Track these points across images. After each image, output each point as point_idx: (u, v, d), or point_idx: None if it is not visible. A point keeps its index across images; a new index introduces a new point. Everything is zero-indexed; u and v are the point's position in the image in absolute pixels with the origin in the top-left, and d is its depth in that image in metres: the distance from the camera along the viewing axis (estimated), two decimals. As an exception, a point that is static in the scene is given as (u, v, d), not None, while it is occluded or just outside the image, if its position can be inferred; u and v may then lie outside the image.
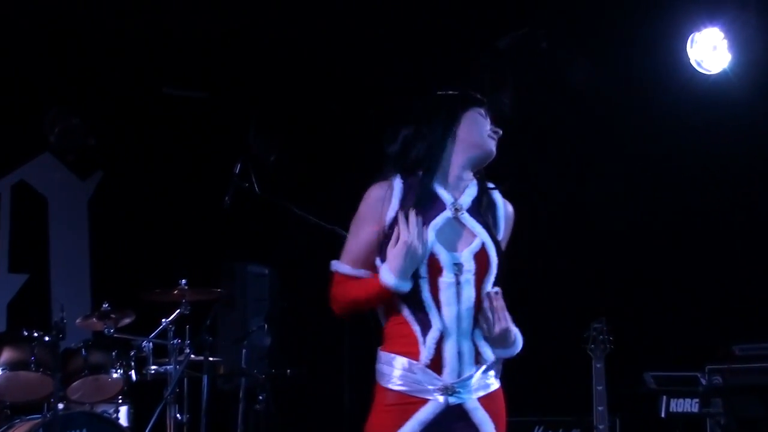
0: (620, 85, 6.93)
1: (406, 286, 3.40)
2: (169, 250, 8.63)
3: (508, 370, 7.53)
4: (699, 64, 6.33)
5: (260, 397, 7.33)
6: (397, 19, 7.49)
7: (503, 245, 3.75)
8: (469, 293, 3.51)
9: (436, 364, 3.44)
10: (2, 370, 6.92)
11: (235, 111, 8.80)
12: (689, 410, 6.35)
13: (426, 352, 3.44)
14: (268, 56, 8.30)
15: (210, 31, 8.01)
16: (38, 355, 6.90)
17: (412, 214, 3.40)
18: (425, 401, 3.44)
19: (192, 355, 6.93)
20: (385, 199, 3.55)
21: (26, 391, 7.03)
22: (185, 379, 7.09)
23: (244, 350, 7.26)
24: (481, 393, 3.52)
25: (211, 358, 7.22)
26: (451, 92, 3.70)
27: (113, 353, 7.10)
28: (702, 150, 6.59)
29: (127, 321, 7.27)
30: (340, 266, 3.60)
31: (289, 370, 6.75)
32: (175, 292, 6.94)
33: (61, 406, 6.69)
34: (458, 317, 3.48)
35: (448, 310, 3.46)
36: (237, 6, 7.64)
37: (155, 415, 6.69)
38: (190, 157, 8.90)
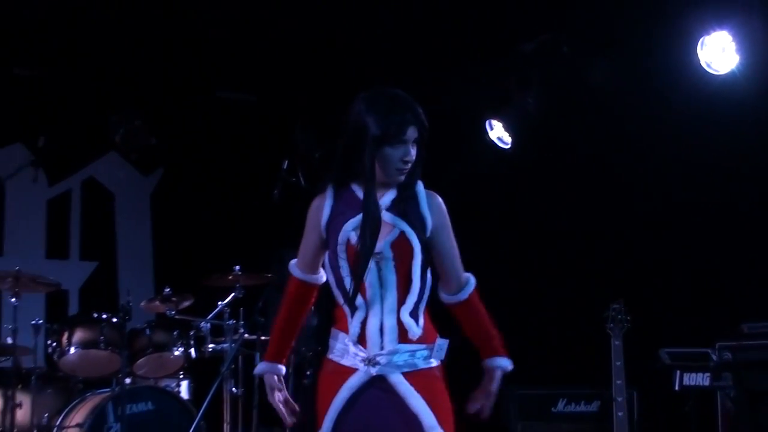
0: (636, 84, 6.88)
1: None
2: (225, 239, 8.61)
3: (535, 349, 7.51)
4: (708, 65, 6.27)
5: (308, 373, 7.29)
6: (432, 26, 7.46)
7: (442, 227, 3.74)
8: (390, 277, 3.58)
9: (362, 338, 3.56)
10: (75, 348, 6.95)
11: (282, 113, 8.78)
12: (701, 384, 6.31)
13: (353, 328, 3.58)
14: (313, 63, 8.25)
15: (259, 39, 7.97)
16: (107, 334, 6.94)
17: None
18: (354, 371, 3.56)
19: (246, 335, 6.91)
20: (321, 207, 3.71)
21: (96, 367, 7.06)
22: (240, 357, 7.08)
23: (297, 332, 7.19)
24: (407, 369, 3.55)
25: (263, 337, 7.17)
26: (374, 122, 3.55)
27: (174, 333, 7.12)
28: (711, 143, 6.53)
29: (186, 304, 7.27)
30: (294, 269, 3.86)
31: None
32: (230, 277, 6.94)
33: (128, 380, 6.70)
34: (381, 298, 3.56)
35: (371, 292, 3.56)
36: (282, 18, 7.60)
37: (213, 388, 6.64)
38: (241, 154, 8.87)
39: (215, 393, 6.65)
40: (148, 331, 7.11)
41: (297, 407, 3.91)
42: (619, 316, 6.19)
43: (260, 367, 3.95)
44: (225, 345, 7.02)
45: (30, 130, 7.65)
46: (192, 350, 7.18)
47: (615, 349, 6.19)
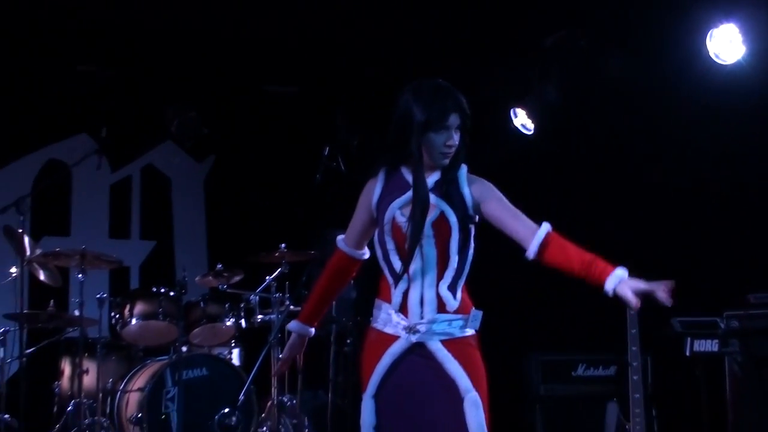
0: (649, 75, 6.86)
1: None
2: (271, 219, 8.65)
3: (557, 319, 7.52)
4: (717, 56, 6.25)
5: (348, 341, 7.34)
6: (461, 24, 7.49)
7: (488, 199, 3.75)
8: (430, 253, 3.60)
9: (403, 308, 3.60)
10: (136, 320, 7.01)
11: (322, 104, 8.80)
12: (710, 350, 6.29)
13: (395, 299, 3.62)
14: (350, 57, 8.27)
15: (301, 37, 7.98)
16: (165, 307, 6.99)
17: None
18: (395, 338, 3.60)
19: (291, 306, 6.93)
20: (372, 188, 3.74)
21: (156, 337, 7.12)
22: (286, 326, 7.08)
23: (333, 302, 7.22)
24: (444, 337, 3.58)
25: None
26: (421, 111, 3.59)
27: (226, 305, 7.16)
28: (719, 128, 6.53)
29: (237, 279, 7.31)
30: (341, 243, 3.92)
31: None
32: (276, 254, 6.96)
33: (184, 348, 6.77)
34: (422, 272, 3.60)
35: (413, 267, 3.59)
36: (321, 17, 7.62)
37: (261, 355, 6.68)
38: (286, 142, 8.90)
39: (263, 359, 6.69)
40: (202, 304, 7.16)
41: (299, 363, 4.01)
42: (634, 288, 6.17)
43: (292, 325, 4.07)
44: (272, 316, 7.06)
45: (94, 121, 7.69)
46: (242, 321, 7.22)
47: (630, 319, 6.17)
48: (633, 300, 3.55)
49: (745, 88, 6.19)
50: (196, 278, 7.44)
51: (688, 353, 6.36)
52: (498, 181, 8.09)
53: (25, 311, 6.64)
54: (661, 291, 3.58)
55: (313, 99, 8.96)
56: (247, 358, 7.33)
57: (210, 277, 7.35)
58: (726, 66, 6.23)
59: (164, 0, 7.42)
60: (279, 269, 7.02)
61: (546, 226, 3.74)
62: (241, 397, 6.51)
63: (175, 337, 6.80)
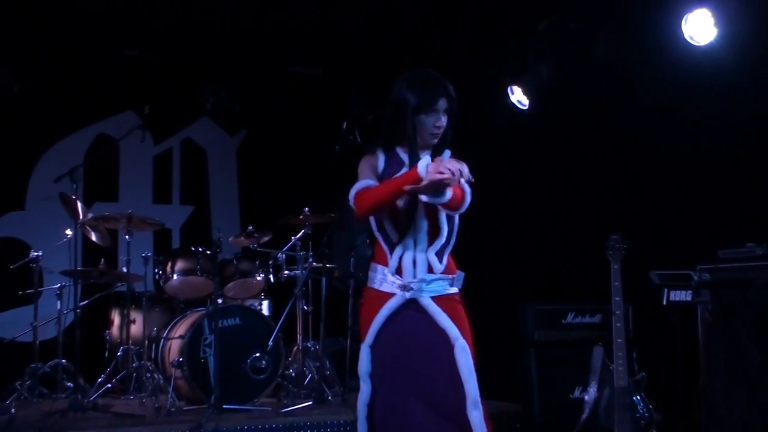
0: (631, 54, 6.84)
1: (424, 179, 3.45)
2: (296, 186, 8.67)
3: (550, 272, 7.52)
4: (691, 38, 6.22)
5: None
6: (463, 10, 7.48)
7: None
8: (422, 224, 3.69)
9: (398, 270, 3.68)
10: (177, 275, 7.06)
11: (341, 83, 8.79)
12: (684, 299, 6.28)
13: (392, 262, 3.70)
14: (363, 42, 8.25)
15: (322, 23, 7.97)
16: (202, 264, 7.03)
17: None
18: (391, 295, 3.68)
19: (313, 263, 6.96)
20: (376, 158, 3.80)
21: (194, 290, 7.17)
22: (309, 281, 7.13)
23: (352, 259, 7.25)
24: (434, 294, 3.68)
25: (327, 265, 7.25)
26: (414, 96, 3.67)
27: (256, 262, 7.19)
28: (693, 101, 6.51)
29: (266, 239, 7.35)
30: (359, 184, 3.76)
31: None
32: (301, 217, 6.99)
33: (219, 301, 6.77)
34: (414, 240, 3.68)
35: (409, 236, 3.68)
36: (338, 5, 7.60)
37: (288, 306, 6.75)
38: (309, 117, 8.90)
39: (290, 310, 6.76)
40: (235, 261, 7.20)
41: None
42: (617, 245, 6.17)
43: (422, 167, 3.52)
44: (297, 272, 7.09)
45: (138, 100, 7.69)
46: (270, 276, 7.25)
47: (614, 272, 6.17)
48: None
49: (716, 66, 6.16)
50: (230, 238, 7.47)
51: (664, 302, 6.36)
52: (495, 150, 8.14)
53: (79, 268, 6.70)
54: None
55: (332, 79, 8.96)
56: (275, 308, 7.39)
57: (242, 238, 7.38)
58: (700, 47, 6.20)
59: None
60: (303, 230, 7.05)
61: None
62: (270, 343, 6.56)
63: (211, 291, 6.83)
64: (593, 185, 7.34)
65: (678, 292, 6.30)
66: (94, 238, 7.23)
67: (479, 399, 3.61)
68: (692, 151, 6.64)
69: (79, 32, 8.14)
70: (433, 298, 3.69)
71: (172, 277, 7.06)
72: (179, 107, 8.83)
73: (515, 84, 7.74)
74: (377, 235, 3.80)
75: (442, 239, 3.73)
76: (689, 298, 6.25)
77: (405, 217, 3.68)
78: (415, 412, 3.62)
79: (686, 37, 6.22)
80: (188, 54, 8.65)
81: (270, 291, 7.40)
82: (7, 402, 6.49)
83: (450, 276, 3.74)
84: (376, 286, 3.76)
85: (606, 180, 7.24)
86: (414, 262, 3.68)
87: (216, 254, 6.78)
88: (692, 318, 6.33)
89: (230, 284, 7.08)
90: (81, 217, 6.87)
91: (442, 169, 3.38)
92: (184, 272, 7.05)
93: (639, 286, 6.33)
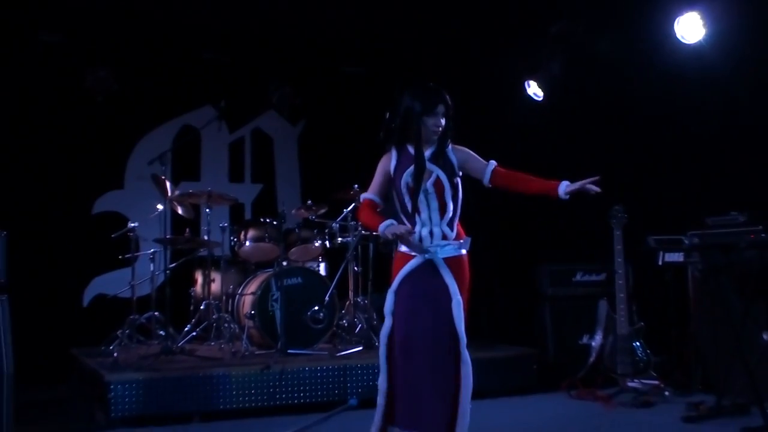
0: (630, 52, 6.77)
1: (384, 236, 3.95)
2: (347, 166, 8.47)
3: (562, 238, 7.42)
4: (683, 37, 6.12)
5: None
6: (487, 16, 7.33)
7: (466, 159, 4.07)
8: (433, 203, 3.97)
9: (419, 239, 3.96)
10: (249, 242, 7.06)
11: (385, 80, 8.71)
12: (677, 260, 6.25)
13: (416, 235, 3.96)
14: (402, 45, 8.16)
15: (367, 29, 7.88)
16: (270, 232, 7.02)
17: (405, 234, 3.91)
18: (413, 257, 3.97)
19: (363, 232, 6.92)
20: (389, 159, 4.06)
21: (263, 254, 7.17)
22: (359, 246, 7.09)
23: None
24: (446, 256, 3.95)
25: (373, 233, 7.21)
26: (418, 104, 3.94)
27: (315, 231, 7.18)
28: (683, 91, 6.44)
29: (322, 211, 7.31)
30: (367, 195, 4.13)
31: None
32: (351, 192, 6.91)
33: (284, 263, 6.77)
34: (429, 216, 3.97)
35: (424, 213, 3.98)
36: (380, 14, 7.50)
37: (341, 268, 6.73)
38: (357, 108, 8.81)
39: (342, 271, 6.74)
40: (297, 230, 7.17)
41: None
42: (619, 214, 6.11)
43: (383, 227, 3.97)
44: (348, 238, 7.05)
45: (215, 96, 7.70)
46: (327, 242, 7.22)
47: (616, 237, 6.11)
48: (576, 187, 3.99)
49: (704, 62, 6.11)
50: (293, 211, 7.46)
51: (660, 263, 6.31)
52: (514, 136, 8.09)
53: (168, 237, 6.73)
54: (589, 183, 4.01)
55: (377, 77, 8.87)
56: (330, 269, 7.37)
57: (302, 210, 7.36)
58: (690, 45, 6.13)
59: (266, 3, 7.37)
60: (353, 203, 6.99)
61: (492, 163, 4.07)
62: (327, 298, 6.55)
63: (277, 255, 6.83)
64: (598, 163, 7.18)
65: (671, 254, 6.23)
66: (180, 211, 7.25)
67: (465, 339, 3.92)
68: (683, 134, 6.56)
69: (166, 38, 8.14)
70: (444, 259, 3.95)
71: (245, 243, 7.05)
72: (250, 101, 8.80)
73: (531, 78, 7.70)
74: (400, 215, 4.06)
75: (449, 213, 3.99)
76: (681, 259, 6.18)
77: (415, 195, 3.97)
78: (422, 340, 3.93)
79: (678, 36, 6.16)
80: (257, 56, 8.61)
81: (326, 255, 7.38)
82: (111, 347, 6.55)
83: (459, 241, 3.99)
84: (402, 250, 4.03)
85: (609, 158, 7.17)
86: (431, 233, 3.97)
87: (281, 224, 6.79)
88: (684, 276, 6.26)
89: (293, 249, 7.06)
90: (169, 194, 6.88)
91: (395, 231, 3.86)
92: (255, 239, 7.04)
93: (638, 249, 6.28)
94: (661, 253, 6.28)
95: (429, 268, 3.97)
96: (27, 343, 5.09)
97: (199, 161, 8.71)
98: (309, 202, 7.32)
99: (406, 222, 4.01)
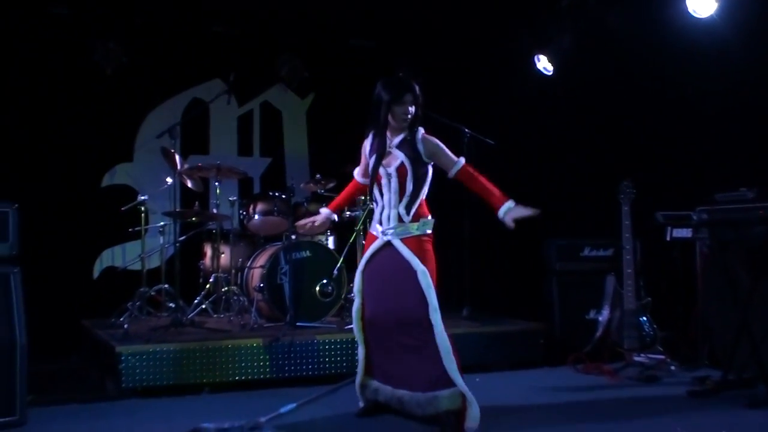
0: (641, 25, 6.73)
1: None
2: (355, 140, 8.48)
3: (570, 212, 7.43)
4: (694, 11, 6.09)
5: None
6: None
7: (435, 152, 4.41)
8: (395, 187, 4.36)
9: (380, 221, 4.44)
10: (258, 216, 7.07)
11: (393, 54, 8.70)
12: (685, 236, 6.24)
13: (376, 215, 4.48)
14: (411, 18, 8.12)
15: (377, 4, 7.84)
16: (279, 206, 7.03)
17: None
18: (377, 237, 4.45)
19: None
20: (366, 144, 4.58)
21: (272, 228, 7.18)
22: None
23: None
24: (402, 236, 4.33)
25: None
26: (386, 93, 4.31)
27: (323, 204, 7.05)
28: (694, 66, 6.39)
29: (331, 185, 7.33)
30: (356, 173, 4.80)
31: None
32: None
33: (293, 237, 6.77)
34: (389, 199, 4.38)
35: (387, 196, 4.40)
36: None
37: (349, 241, 6.73)
38: (366, 82, 8.75)
39: (351, 244, 6.74)
40: (305, 204, 7.19)
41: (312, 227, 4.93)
42: (628, 189, 6.09)
43: (324, 210, 4.95)
44: (357, 212, 7.04)
45: (224, 69, 7.68)
46: (335, 216, 7.21)
47: (624, 213, 6.10)
48: (510, 224, 4.27)
49: (715, 36, 6.08)
50: (301, 185, 7.47)
51: (668, 238, 6.30)
52: (525, 110, 8.07)
53: (177, 210, 6.76)
54: (531, 213, 4.31)
55: (386, 51, 8.84)
56: (339, 243, 7.37)
57: (311, 184, 7.38)
58: (701, 19, 6.10)
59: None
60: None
61: (461, 161, 4.41)
62: (335, 271, 6.57)
63: (286, 228, 6.84)
64: (608, 138, 7.25)
65: (679, 229, 6.22)
66: (189, 184, 7.27)
67: (437, 306, 4.20)
68: (693, 109, 6.52)
69: (175, 11, 8.11)
70: (401, 239, 4.31)
71: (254, 217, 7.07)
72: (258, 75, 8.78)
73: (541, 53, 7.67)
74: (372, 196, 4.51)
75: (407, 197, 4.32)
76: (689, 235, 6.17)
77: (372, 179, 4.40)
78: (387, 315, 4.34)
79: (690, 10, 6.12)
80: (266, 29, 8.57)
81: (335, 228, 7.37)
82: (121, 319, 6.61)
83: (415, 223, 4.32)
84: (371, 231, 4.51)
85: (619, 133, 7.16)
86: (389, 217, 4.36)
87: (290, 198, 6.80)
88: (691, 252, 6.26)
89: (301, 222, 7.06)
90: (179, 167, 6.90)
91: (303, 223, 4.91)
92: (264, 213, 7.05)
93: (646, 224, 6.28)
94: (670, 229, 6.27)
95: (389, 248, 4.35)
96: (39, 314, 5.13)
97: (208, 135, 8.71)
98: (317, 175, 7.33)
99: (375, 201, 4.47)
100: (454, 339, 4.30)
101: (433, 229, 4.43)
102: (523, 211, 4.27)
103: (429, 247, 4.35)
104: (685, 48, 6.35)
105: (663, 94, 6.78)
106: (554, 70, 7.60)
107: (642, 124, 6.98)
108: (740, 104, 6.12)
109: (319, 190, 7.34)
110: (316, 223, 4.90)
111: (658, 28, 6.58)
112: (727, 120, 6.21)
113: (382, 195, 4.40)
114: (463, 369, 4.30)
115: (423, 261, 4.26)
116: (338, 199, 4.96)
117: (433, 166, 4.46)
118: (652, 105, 6.88)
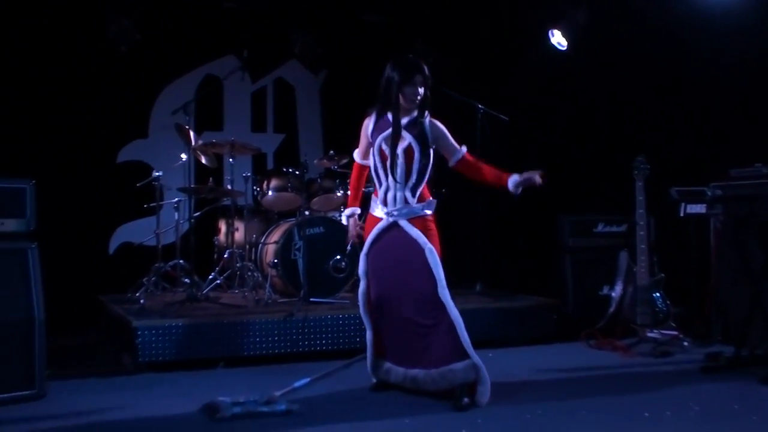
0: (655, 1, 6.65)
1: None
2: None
3: (584, 188, 7.40)
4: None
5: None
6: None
7: (440, 136, 4.47)
8: (402, 169, 4.36)
9: (385, 201, 4.44)
10: (271, 192, 7.07)
11: (407, 30, 8.65)
12: (699, 212, 6.23)
13: (381, 195, 4.47)
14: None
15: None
16: (292, 182, 7.02)
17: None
18: (380, 219, 4.47)
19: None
20: (368, 124, 4.55)
21: (286, 204, 7.18)
22: (343, 214, 7.05)
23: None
24: (409, 216, 4.36)
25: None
26: (397, 74, 4.31)
27: (336, 181, 7.17)
28: (709, 41, 6.37)
29: (344, 161, 7.29)
30: (356, 156, 4.75)
31: (444, 190, 6.68)
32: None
33: (306, 212, 6.79)
34: (395, 181, 4.37)
35: (391, 177, 4.39)
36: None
37: (364, 217, 6.72)
38: (378, 57, 8.72)
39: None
40: (319, 180, 7.17)
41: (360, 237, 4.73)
42: (642, 165, 6.06)
43: (347, 212, 4.89)
44: (370, 188, 6.96)
45: (238, 45, 7.65)
46: (359, 210, 7.18)
47: (638, 188, 6.08)
48: (521, 180, 4.37)
49: (732, 10, 6.05)
50: (315, 161, 7.45)
51: (682, 214, 6.29)
52: (539, 85, 8.05)
53: (192, 186, 6.75)
54: (537, 176, 4.37)
55: (399, 27, 8.78)
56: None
57: (325, 160, 7.36)
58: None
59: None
60: (376, 154, 6.98)
61: (463, 150, 4.49)
62: (348, 247, 6.54)
63: (300, 204, 6.84)
64: (622, 113, 7.22)
65: (694, 205, 6.21)
66: (203, 160, 7.27)
67: (445, 283, 4.26)
68: (709, 84, 6.48)
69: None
70: (408, 219, 4.34)
71: (268, 193, 7.07)
72: (272, 51, 8.74)
73: (555, 28, 7.62)
74: (373, 175, 4.51)
75: (413, 179, 4.35)
76: (703, 211, 6.16)
77: (391, 160, 4.34)
78: (395, 295, 4.39)
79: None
80: (279, 5, 8.53)
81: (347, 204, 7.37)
82: (137, 294, 6.65)
83: (421, 204, 4.36)
84: (372, 213, 4.51)
85: (633, 108, 7.12)
86: (395, 198, 4.37)
87: (303, 174, 6.80)
88: (705, 228, 6.23)
89: (315, 199, 7.07)
90: (193, 143, 6.90)
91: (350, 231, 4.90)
92: (278, 189, 7.05)
93: (660, 200, 6.26)
94: (684, 205, 6.25)
95: (395, 228, 4.39)
96: (56, 290, 5.16)
97: (222, 111, 8.70)
98: (331, 152, 7.32)
99: (377, 184, 4.46)
100: (464, 316, 4.34)
101: (434, 210, 4.51)
102: (530, 175, 4.36)
103: (433, 226, 4.42)
104: (701, 22, 6.29)
105: (678, 70, 6.73)
106: (568, 45, 7.55)
107: (656, 99, 6.93)
108: (756, 80, 6.06)
109: (332, 167, 7.33)
110: (353, 232, 4.85)
111: (672, 2, 6.51)
112: (743, 95, 6.16)
113: (387, 175, 4.39)
114: (476, 344, 4.35)
115: (430, 239, 4.32)
116: (352, 191, 4.91)
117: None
118: (666, 80, 6.84)
